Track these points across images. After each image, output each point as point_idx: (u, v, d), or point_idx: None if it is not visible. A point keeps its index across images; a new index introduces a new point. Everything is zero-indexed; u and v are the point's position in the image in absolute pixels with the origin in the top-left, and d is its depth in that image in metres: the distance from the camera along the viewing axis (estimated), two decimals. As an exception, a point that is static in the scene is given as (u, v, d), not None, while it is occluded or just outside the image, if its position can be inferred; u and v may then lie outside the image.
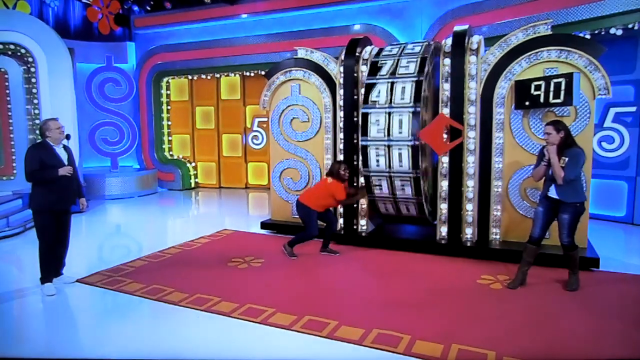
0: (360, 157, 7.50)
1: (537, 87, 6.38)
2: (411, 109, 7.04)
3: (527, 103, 6.55)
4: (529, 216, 6.66)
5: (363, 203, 7.83)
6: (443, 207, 7.21)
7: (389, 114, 7.18)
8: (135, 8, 15.40)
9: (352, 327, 4.67)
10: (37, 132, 6.04)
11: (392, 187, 7.32)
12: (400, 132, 7.09)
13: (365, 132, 7.34)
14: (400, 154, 7.10)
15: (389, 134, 7.15)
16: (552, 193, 5.51)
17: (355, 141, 7.69)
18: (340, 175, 7.05)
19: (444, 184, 7.15)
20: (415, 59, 7.27)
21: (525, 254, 5.74)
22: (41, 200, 5.62)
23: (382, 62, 7.48)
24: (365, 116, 7.35)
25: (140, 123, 14.79)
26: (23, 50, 10.04)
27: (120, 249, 8.32)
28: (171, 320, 4.99)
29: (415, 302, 5.36)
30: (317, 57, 8.24)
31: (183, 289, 5.74)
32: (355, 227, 7.91)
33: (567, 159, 5.32)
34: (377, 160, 7.30)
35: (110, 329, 4.89)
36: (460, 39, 6.92)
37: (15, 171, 10.41)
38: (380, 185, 7.43)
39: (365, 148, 7.35)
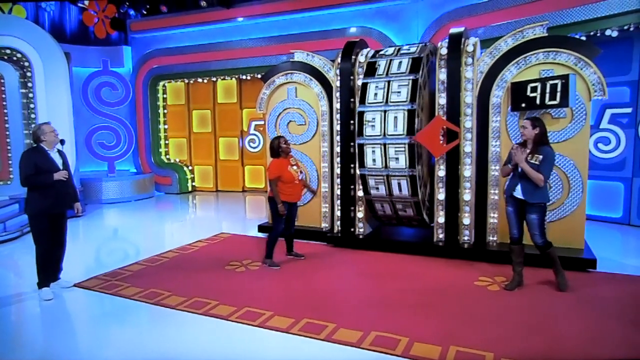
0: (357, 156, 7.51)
1: (533, 89, 6.41)
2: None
3: (523, 105, 6.56)
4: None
5: (360, 206, 7.84)
6: (440, 209, 7.23)
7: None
8: (131, 12, 15.41)
9: (350, 330, 4.67)
10: (32, 137, 6.03)
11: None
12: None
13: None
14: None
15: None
16: (518, 193, 5.55)
17: (352, 144, 7.68)
18: (283, 149, 6.77)
19: (441, 186, 7.17)
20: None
21: (514, 255, 5.77)
22: (37, 205, 5.61)
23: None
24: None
25: (136, 127, 14.80)
26: (19, 55, 10.02)
27: (118, 253, 8.30)
28: (169, 324, 4.97)
29: (413, 304, 5.36)
30: (313, 60, 8.25)
31: (181, 293, 5.73)
32: (352, 229, 7.90)
33: (541, 156, 5.35)
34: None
35: (107, 334, 4.88)
36: (456, 41, 6.94)
37: (11, 176, 10.39)
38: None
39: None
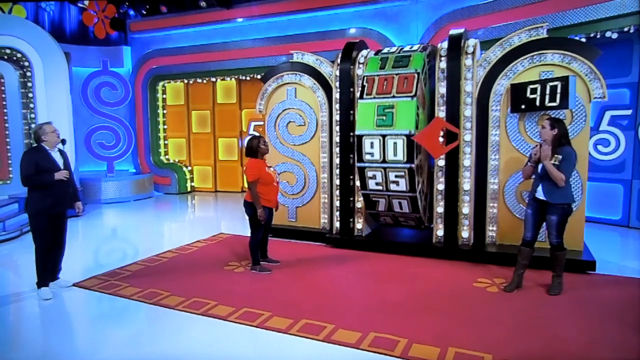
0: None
1: (533, 91, 6.40)
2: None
3: (523, 106, 6.56)
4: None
5: (359, 207, 7.84)
6: (439, 210, 7.23)
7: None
8: (131, 12, 15.41)
9: (348, 331, 4.67)
10: (32, 136, 6.04)
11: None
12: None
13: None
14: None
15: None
16: (540, 194, 5.51)
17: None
18: (261, 150, 6.49)
19: (440, 187, 7.17)
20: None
21: (520, 257, 5.74)
22: (37, 204, 5.61)
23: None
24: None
25: (136, 127, 14.81)
26: (19, 55, 10.03)
27: (117, 253, 8.30)
28: (167, 324, 4.97)
29: (411, 305, 5.36)
30: (312, 60, 8.25)
31: (179, 293, 5.73)
32: (351, 230, 7.91)
33: (560, 156, 5.30)
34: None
35: (106, 334, 4.88)
36: (456, 42, 6.94)
37: (11, 175, 10.38)
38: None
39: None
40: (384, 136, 6.99)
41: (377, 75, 7.22)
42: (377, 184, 7.24)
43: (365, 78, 7.30)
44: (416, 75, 6.95)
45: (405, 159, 6.91)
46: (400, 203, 7.27)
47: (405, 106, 6.93)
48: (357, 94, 7.43)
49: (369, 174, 7.23)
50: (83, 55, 13.96)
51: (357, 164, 7.30)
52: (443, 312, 5.15)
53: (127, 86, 13.95)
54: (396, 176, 7.06)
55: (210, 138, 14.97)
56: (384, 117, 7.01)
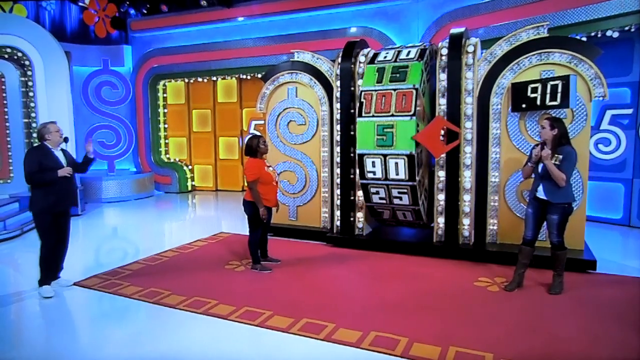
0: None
1: (534, 90, 6.40)
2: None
3: (523, 105, 6.55)
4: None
5: (360, 206, 7.83)
6: (440, 210, 7.23)
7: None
8: (132, 11, 15.41)
9: (349, 330, 4.67)
10: (35, 135, 6.03)
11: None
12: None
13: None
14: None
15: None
16: (540, 194, 5.50)
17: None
18: (261, 149, 6.49)
19: (440, 186, 7.17)
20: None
21: (521, 256, 5.74)
22: (41, 202, 5.63)
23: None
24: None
25: (137, 126, 14.81)
26: (20, 54, 10.03)
27: (117, 252, 8.30)
28: (168, 323, 4.97)
29: (412, 304, 5.36)
30: (313, 59, 8.25)
31: (180, 292, 5.73)
32: (352, 229, 7.90)
33: (561, 156, 5.30)
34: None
35: (107, 333, 4.87)
36: (456, 41, 6.93)
37: (12, 175, 10.38)
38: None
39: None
40: (385, 156, 7.01)
41: (375, 91, 7.19)
42: (380, 198, 7.33)
43: (362, 94, 7.28)
44: (414, 91, 6.92)
45: (407, 178, 6.95)
46: (404, 214, 7.38)
47: (405, 126, 6.90)
48: (356, 111, 7.42)
49: (372, 190, 7.32)
50: (84, 54, 13.97)
51: (360, 181, 7.36)
52: (444, 311, 5.15)
53: (127, 85, 13.97)
54: (399, 192, 7.13)
55: (211, 137, 14.98)
56: (384, 137, 7.01)
